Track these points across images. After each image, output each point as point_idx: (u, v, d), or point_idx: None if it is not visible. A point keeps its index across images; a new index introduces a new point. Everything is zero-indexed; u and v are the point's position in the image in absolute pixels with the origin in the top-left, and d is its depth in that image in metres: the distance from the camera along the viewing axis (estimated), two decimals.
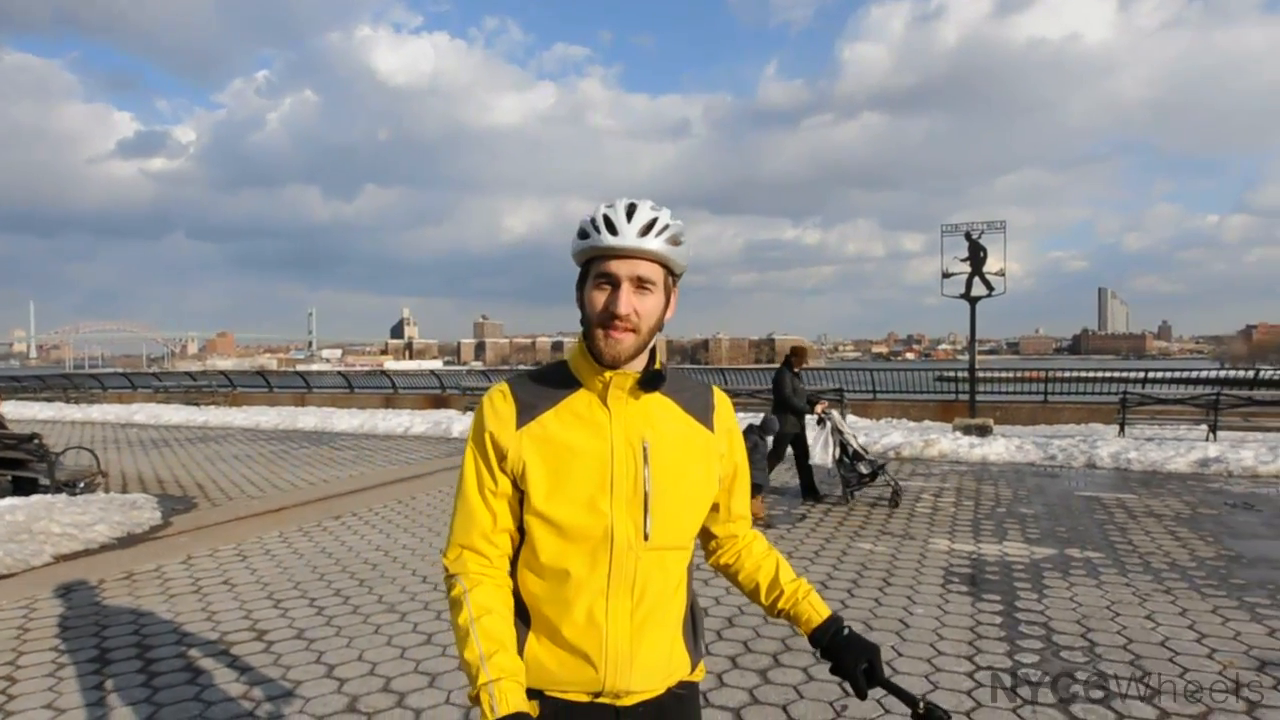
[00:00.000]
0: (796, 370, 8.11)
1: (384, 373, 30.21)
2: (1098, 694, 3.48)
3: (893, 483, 7.80)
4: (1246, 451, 9.74)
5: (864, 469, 7.75)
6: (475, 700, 1.22)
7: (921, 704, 1.35)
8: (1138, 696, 3.45)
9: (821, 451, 7.77)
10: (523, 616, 1.34)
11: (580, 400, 1.35)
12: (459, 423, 15.24)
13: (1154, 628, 4.30)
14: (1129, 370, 21.22)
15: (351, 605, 4.85)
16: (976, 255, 12.98)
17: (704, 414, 1.44)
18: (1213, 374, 18.49)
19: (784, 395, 7.89)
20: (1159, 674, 3.67)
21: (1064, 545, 6.08)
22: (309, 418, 17.25)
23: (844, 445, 7.79)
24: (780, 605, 1.51)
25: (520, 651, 1.31)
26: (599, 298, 1.30)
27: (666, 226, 1.29)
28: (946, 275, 13.27)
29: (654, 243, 1.28)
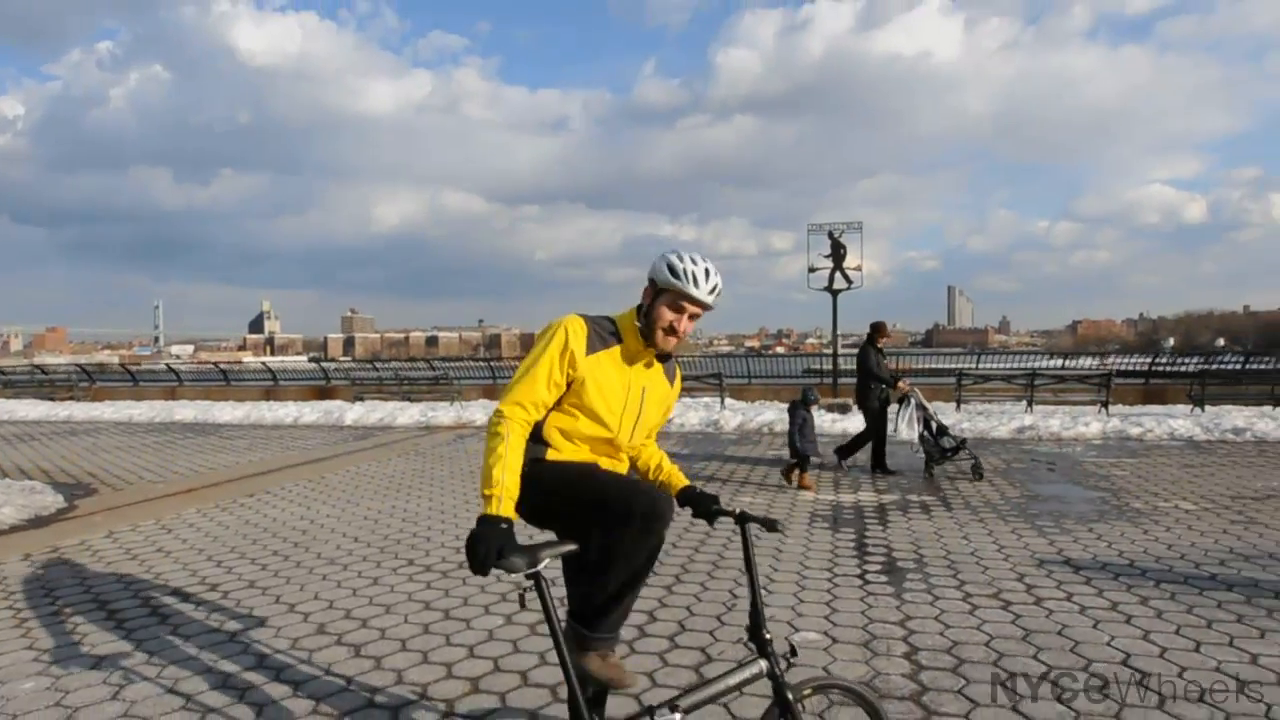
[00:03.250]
0: (879, 346, 8.56)
1: (231, 367, 29.11)
2: (919, 580, 4.54)
3: (974, 457, 8.01)
4: (1054, 420, 11.59)
5: (948, 444, 8.04)
6: (485, 499, 1.97)
7: (738, 511, 2.29)
8: (950, 585, 4.55)
9: (907, 428, 8.10)
10: (544, 446, 2.20)
11: (621, 353, 2.24)
12: (351, 412, 15.33)
13: (966, 543, 5.49)
14: (968, 356, 23.77)
15: (293, 561, 5.32)
16: (838, 252, 14.46)
17: (670, 378, 2.43)
18: (1033, 362, 21.08)
19: (868, 368, 8.34)
20: (967, 572, 4.81)
21: (905, 493, 7.31)
22: (186, 410, 16.73)
23: (927, 421, 8.13)
24: (659, 477, 2.47)
25: (539, 460, 2.17)
26: (669, 315, 2.17)
27: (719, 288, 2.19)
28: (812, 270, 14.69)
29: (713, 300, 2.18)
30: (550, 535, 2.27)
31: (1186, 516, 6.20)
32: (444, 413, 14.81)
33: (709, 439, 11.74)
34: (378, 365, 24.51)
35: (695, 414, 13.53)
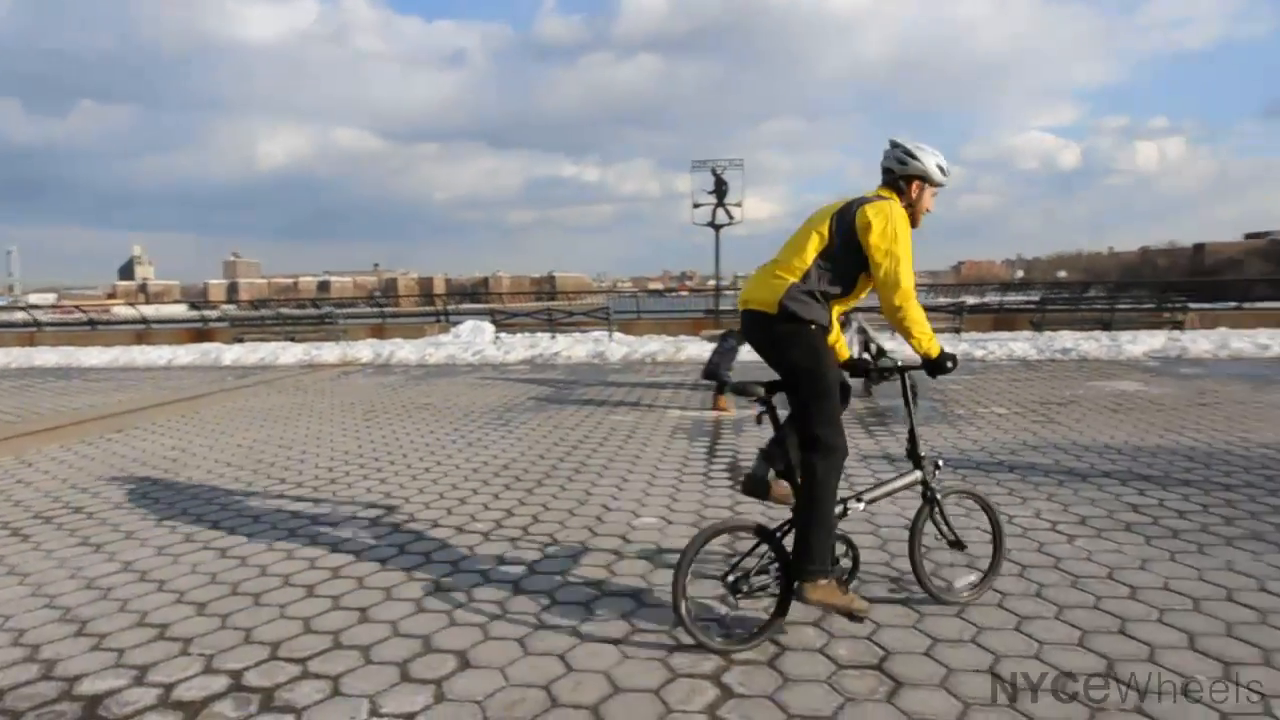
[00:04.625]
0: None
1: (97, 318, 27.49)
2: None
3: (912, 379, 8.94)
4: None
5: (885, 364, 8.88)
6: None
7: (899, 363, 3.28)
8: None
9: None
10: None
11: None
12: (230, 353, 14.90)
13: None
14: None
15: (163, 485, 5.40)
16: (720, 188, 14.92)
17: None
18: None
19: None
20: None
21: (761, 409, 7.93)
22: (48, 355, 15.82)
23: (866, 344, 8.46)
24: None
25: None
26: (930, 201, 2.92)
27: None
28: (696, 206, 15.13)
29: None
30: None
31: (998, 419, 7.06)
32: (329, 351, 14.62)
33: (594, 369, 12.16)
34: (255, 305, 23.59)
35: (583, 347, 13.90)
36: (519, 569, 3.63)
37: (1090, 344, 12.36)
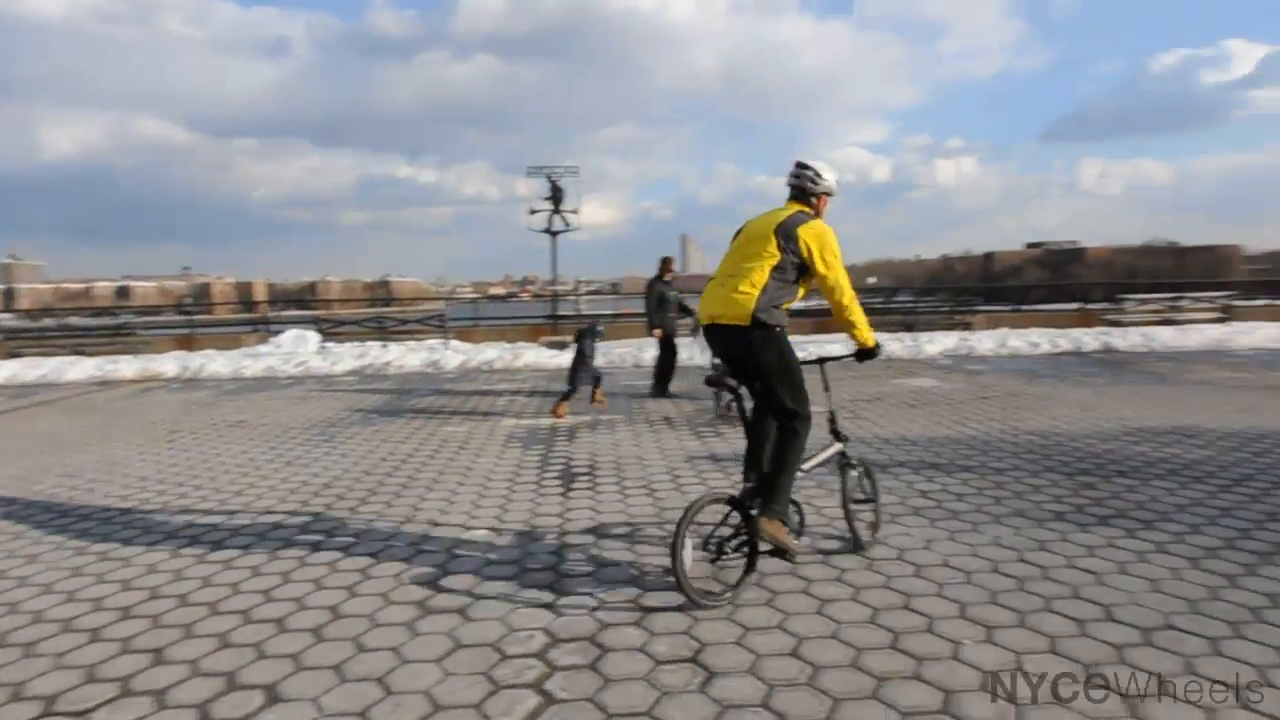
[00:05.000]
0: (666, 279, 9.20)
1: None
2: (586, 482, 5.20)
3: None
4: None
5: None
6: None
7: (815, 356, 3.89)
8: (610, 483, 5.25)
9: (700, 354, 8.81)
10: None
11: None
12: (1, 370, 13.12)
13: (637, 449, 6.29)
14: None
15: None
16: (556, 194, 14.98)
17: None
18: None
19: (649, 299, 9.11)
20: (629, 471, 5.56)
21: (597, 415, 8.07)
22: None
23: None
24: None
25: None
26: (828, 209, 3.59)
27: None
28: (533, 212, 15.11)
29: None
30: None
31: (816, 414, 7.56)
32: (127, 365, 13.23)
33: (428, 378, 11.82)
34: (36, 314, 20.92)
35: (417, 356, 13.47)
36: (338, 594, 3.48)
37: (895, 344, 13.55)
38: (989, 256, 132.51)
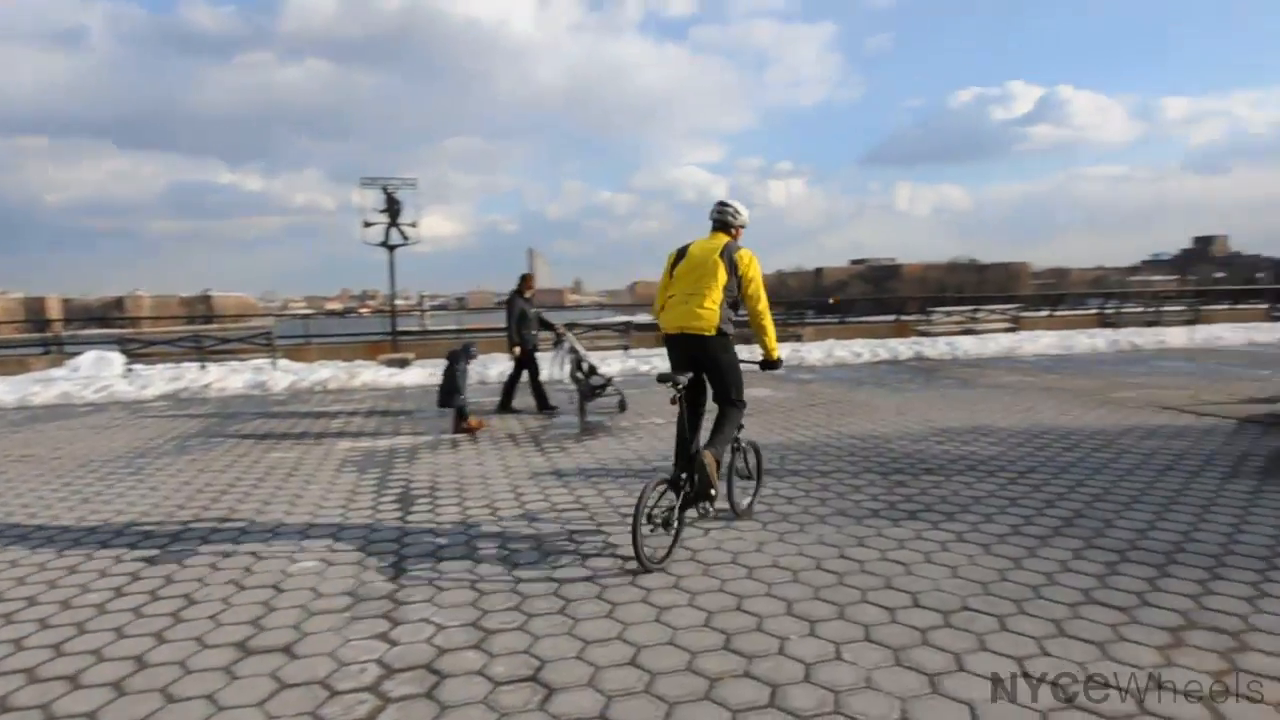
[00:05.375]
0: (527, 296, 9.06)
1: None
2: (427, 503, 5.05)
3: (619, 394, 8.92)
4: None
5: (597, 382, 8.55)
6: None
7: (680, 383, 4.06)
8: (452, 503, 5.13)
9: (558, 369, 8.61)
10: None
11: None
12: None
13: (481, 468, 6.19)
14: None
15: None
16: (393, 207, 14.47)
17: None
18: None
19: (511, 315, 8.91)
20: (471, 491, 5.46)
21: (438, 434, 7.86)
22: None
23: (579, 363, 8.48)
24: None
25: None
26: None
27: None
28: (368, 225, 14.49)
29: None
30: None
31: (656, 428, 7.79)
32: None
33: (253, 401, 11.02)
34: None
35: (240, 377, 12.51)
36: (144, 642, 3.18)
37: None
38: (818, 272, 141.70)
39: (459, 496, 5.33)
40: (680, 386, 4.00)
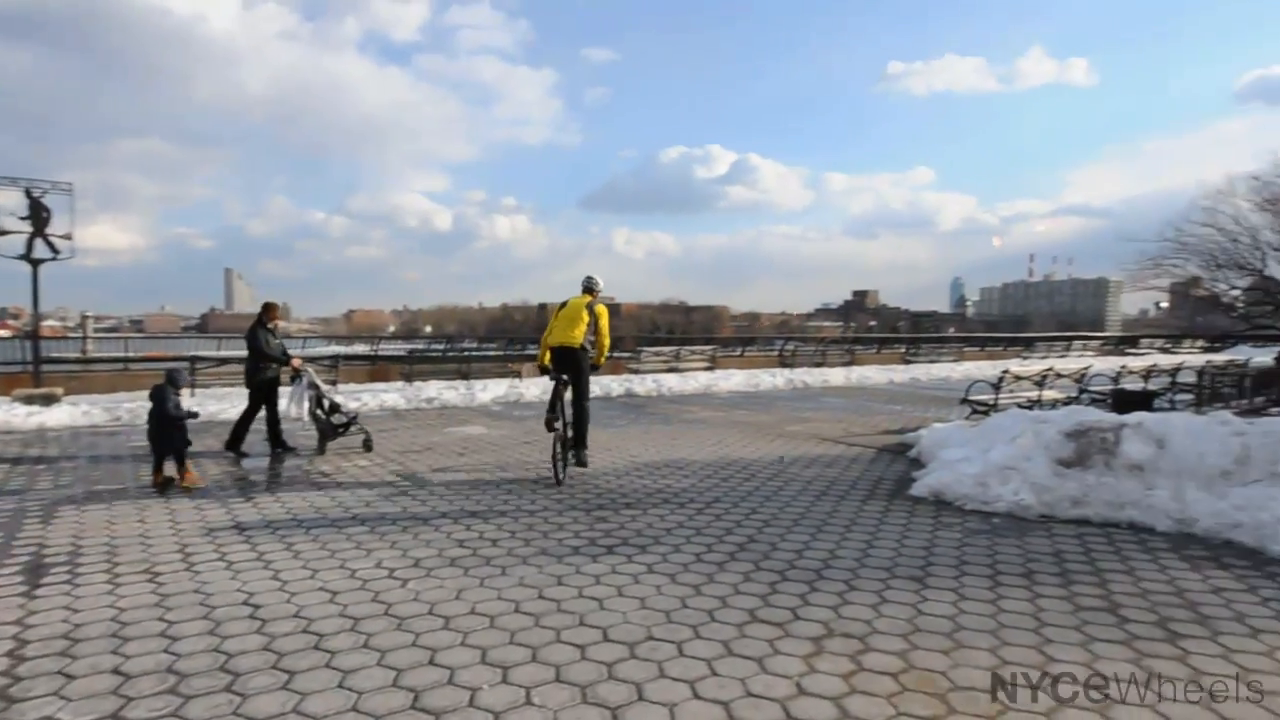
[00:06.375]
0: (270, 325, 8.46)
1: None
2: (65, 571, 4.25)
3: (365, 431, 8.56)
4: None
5: (339, 420, 8.36)
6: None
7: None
8: (99, 570, 4.38)
9: (296, 406, 8.09)
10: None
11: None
12: None
13: (142, 525, 5.35)
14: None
15: None
16: (39, 215, 12.19)
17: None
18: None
19: (258, 347, 8.22)
20: (126, 554, 4.70)
21: (91, 484, 6.69)
22: None
23: (319, 399, 8.21)
24: None
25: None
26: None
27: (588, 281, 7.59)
28: (2, 234, 12.03)
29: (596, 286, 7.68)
30: None
31: (361, 470, 7.34)
32: None
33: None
34: None
35: None
36: None
37: (451, 393, 13.90)
38: (543, 307, 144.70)
39: (109, 562, 4.56)
40: (559, 378, 6.96)
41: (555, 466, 6.71)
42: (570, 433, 6.96)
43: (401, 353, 30.36)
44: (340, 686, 3.04)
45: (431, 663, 3.25)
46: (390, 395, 13.41)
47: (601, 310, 7.19)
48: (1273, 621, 3.81)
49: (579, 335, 6.96)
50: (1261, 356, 19.14)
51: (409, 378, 15.59)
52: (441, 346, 37.45)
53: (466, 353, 26.62)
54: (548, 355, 7.13)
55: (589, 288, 7.38)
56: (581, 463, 7.06)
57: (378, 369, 17.08)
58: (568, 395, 6.99)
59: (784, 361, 23.73)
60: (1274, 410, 11.74)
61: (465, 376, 16.70)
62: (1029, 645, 3.49)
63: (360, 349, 37.67)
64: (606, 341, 7.29)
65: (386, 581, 4.23)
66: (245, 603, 3.92)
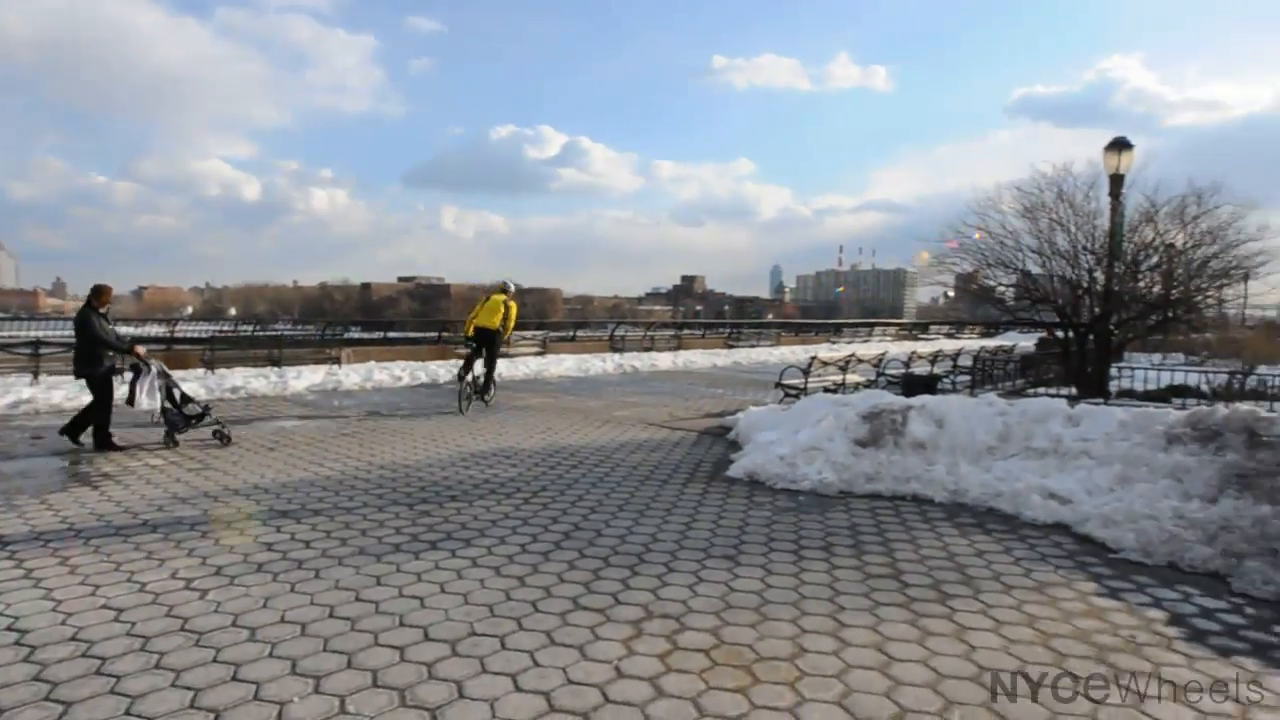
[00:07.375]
0: (102, 310, 7.86)
1: None
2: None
3: (220, 424, 8.17)
4: (58, 392, 10.85)
5: (192, 411, 8.05)
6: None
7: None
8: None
9: (148, 398, 7.68)
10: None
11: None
12: None
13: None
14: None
15: None
16: None
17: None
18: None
19: (95, 334, 7.60)
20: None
21: None
22: None
23: (170, 390, 7.89)
24: None
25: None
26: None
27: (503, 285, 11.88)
28: None
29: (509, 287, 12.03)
30: None
31: (150, 470, 6.68)
32: None
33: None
34: None
35: None
36: None
37: (260, 381, 12.92)
38: (366, 287, 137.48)
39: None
40: (478, 348, 10.80)
41: (460, 402, 10.57)
42: (482, 383, 11.05)
43: (203, 335, 27.86)
44: (127, 714, 2.79)
45: (234, 678, 3.06)
46: (188, 385, 12.23)
47: (513, 305, 11.28)
48: (1022, 578, 4.43)
49: (496, 321, 10.98)
50: (1025, 342, 22.00)
51: (210, 365, 14.27)
52: (249, 329, 34.43)
53: (279, 335, 24.73)
54: (472, 329, 11.08)
55: (504, 289, 11.44)
56: (487, 403, 11.10)
57: (173, 355, 15.48)
58: (478, 364, 11.03)
59: (614, 346, 24.12)
60: (1031, 391, 13.55)
61: (276, 363, 15.52)
62: (825, 614, 3.84)
63: (155, 331, 33.94)
64: (512, 325, 11.43)
65: (183, 594, 3.92)
66: (9, 628, 3.48)
